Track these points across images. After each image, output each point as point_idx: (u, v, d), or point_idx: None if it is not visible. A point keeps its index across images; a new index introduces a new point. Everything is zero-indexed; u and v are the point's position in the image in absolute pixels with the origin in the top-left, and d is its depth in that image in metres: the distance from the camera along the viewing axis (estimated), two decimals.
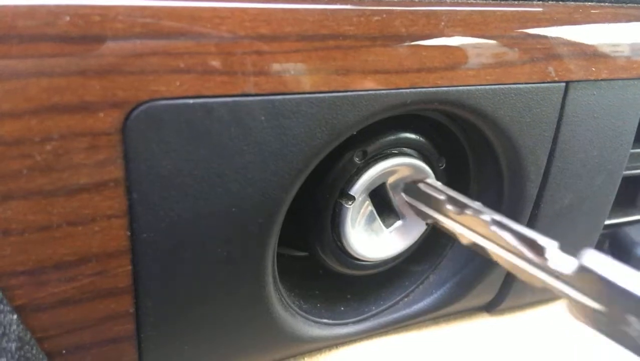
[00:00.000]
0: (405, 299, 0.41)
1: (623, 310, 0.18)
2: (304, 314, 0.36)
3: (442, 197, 0.30)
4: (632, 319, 0.18)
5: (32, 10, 0.21)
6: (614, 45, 0.37)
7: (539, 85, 0.34)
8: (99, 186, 0.24)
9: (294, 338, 0.35)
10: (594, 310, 0.20)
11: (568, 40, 0.34)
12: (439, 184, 0.32)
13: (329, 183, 0.33)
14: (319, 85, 0.27)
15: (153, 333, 0.28)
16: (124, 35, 0.22)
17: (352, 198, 0.34)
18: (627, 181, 0.46)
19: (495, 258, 0.26)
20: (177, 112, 0.24)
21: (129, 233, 0.25)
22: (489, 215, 0.27)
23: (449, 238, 0.41)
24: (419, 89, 0.30)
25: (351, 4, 0.27)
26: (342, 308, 0.40)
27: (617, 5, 0.37)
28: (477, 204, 0.28)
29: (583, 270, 0.20)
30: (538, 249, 0.23)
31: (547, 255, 0.23)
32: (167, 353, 0.30)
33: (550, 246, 0.23)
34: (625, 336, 0.18)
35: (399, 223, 0.37)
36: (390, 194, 0.35)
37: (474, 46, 0.31)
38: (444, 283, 0.41)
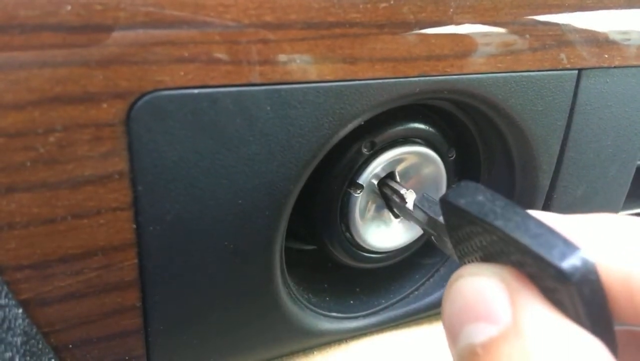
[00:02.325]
0: (416, 292, 0.41)
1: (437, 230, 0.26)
2: (312, 308, 0.36)
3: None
4: (442, 236, 0.25)
5: None
6: (627, 31, 0.36)
7: (550, 73, 0.33)
8: (103, 178, 0.24)
9: (303, 331, 0.35)
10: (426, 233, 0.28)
11: (580, 27, 0.34)
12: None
13: (337, 174, 0.33)
14: (326, 74, 0.26)
15: (160, 326, 0.28)
16: (127, 24, 0.22)
17: (361, 187, 0.33)
18: None
19: None
20: (182, 103, 0.24)
21: (134, 226, 0.25)
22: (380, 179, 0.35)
23: None
24: (428, 78, 0.29)
25: None
26: (352, 302, 0.39)
27: None
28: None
29: (416, 207, 0.28)
30: (402, 198, 0.33)
31: (407, 201, 0.33)
32: (175, 347, 0.29)
33: (408, 193, 0.33)
34: (445, 247, 0.25)
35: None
36: (399, 182, 0.35)
37: (484, 33, 0.30)
38: None
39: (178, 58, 0.23)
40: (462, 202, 0.19)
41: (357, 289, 0.40)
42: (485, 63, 0.30)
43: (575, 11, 0.33)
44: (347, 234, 0.35)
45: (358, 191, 0.33)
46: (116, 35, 0.22)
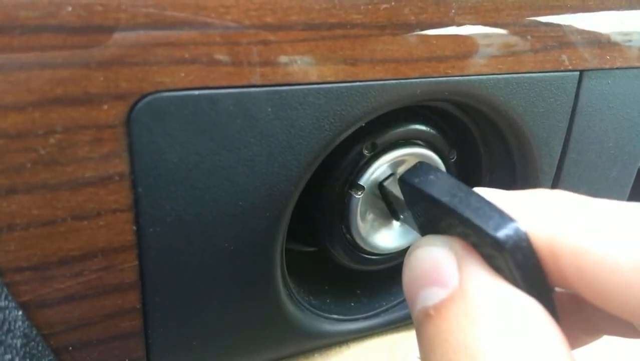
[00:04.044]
0: None
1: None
2: (313, 310, 0.36)
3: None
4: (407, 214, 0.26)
5: (33, 0, 0.21)
6: (629, 33, 0.36)
7: (552, 74, 0.33)
8: (103, 180, 0.24)
9: (303, 333, 0.35)
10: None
11: (582, 28, 0.33)
12: None
13: (338, 176, 0.33)
14: (327, 75, 0.26)
15: (160, 328, 0.28)
16: (127, 25, 0.22)
17: (362, 188, 0.33)
18: None
19: None
20: (182, 104, 0.24)
21: (134, 228, 0.25)
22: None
23: None
24: (429, 79, 0.29)
25: None
26: (352, 304, 0.39)
27: None
28: None
29: (383, 188, 0.30)
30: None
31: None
32: (175, 349, 0.29)
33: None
34: (413, 226, 0.25)
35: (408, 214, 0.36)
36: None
37: (486, 34, 0.30)
38: None
39: (179, 59, 0.23)
40: (416, 181, 0.21)
41: (358, 291, 0.40)
42: (487, 64, 0.30)
43: (577, 12, 0.33)
44: (348, 235, 0.35)
45: (359, 193, 0.33)
46: (117, 36, 0.22)
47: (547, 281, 0.18)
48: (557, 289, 0.19)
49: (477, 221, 0.18)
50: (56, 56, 0.21)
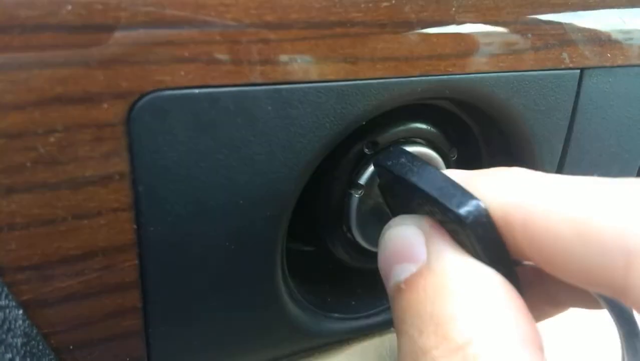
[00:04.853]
0: None
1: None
2: (314, 308, 0.36)
3: None
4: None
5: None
6: (629, 31, 0.36)
7: (553, 72, 0.33)
8: (104, 179, 0.24)
9: (304, 332, 0.35)
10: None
11: (582, 26, 0.33)
12: None
13: (338, 174, 0.33)
14: (327, 74, 0.26)
15: (161, 328, 0.28)
16: (127, 24, 0.22)
17: (362, 187, 0.33)
18: None
19: None
20: (182, 103, 0.24)
21: (135, 227, 0.25)
22: None
23: None
24: (430, 77, 0.29)
25: None
26: (353, 303, 0.39)
27: None
28: None
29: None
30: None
31: None
32: (176, 348, 0.29)
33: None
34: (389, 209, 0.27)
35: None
36: None
37: (486, 32, 0.30)
38: None
39: (179, 58, 0.23)
40: (388, 163, 0.24)
41: (359, 290, 0.40)
42: (487, 62, 0.30)
43: (578, 10, 0.33)
44: (349, 234, 0.35)
45: (359, 191, 0.33)
46: (117, 35, 0.22)
47: (509, 254, 0.19)
48: (525, 262, 0.20)
49: (442, 199, 0.19)
50: (56, 55, 0.21)
